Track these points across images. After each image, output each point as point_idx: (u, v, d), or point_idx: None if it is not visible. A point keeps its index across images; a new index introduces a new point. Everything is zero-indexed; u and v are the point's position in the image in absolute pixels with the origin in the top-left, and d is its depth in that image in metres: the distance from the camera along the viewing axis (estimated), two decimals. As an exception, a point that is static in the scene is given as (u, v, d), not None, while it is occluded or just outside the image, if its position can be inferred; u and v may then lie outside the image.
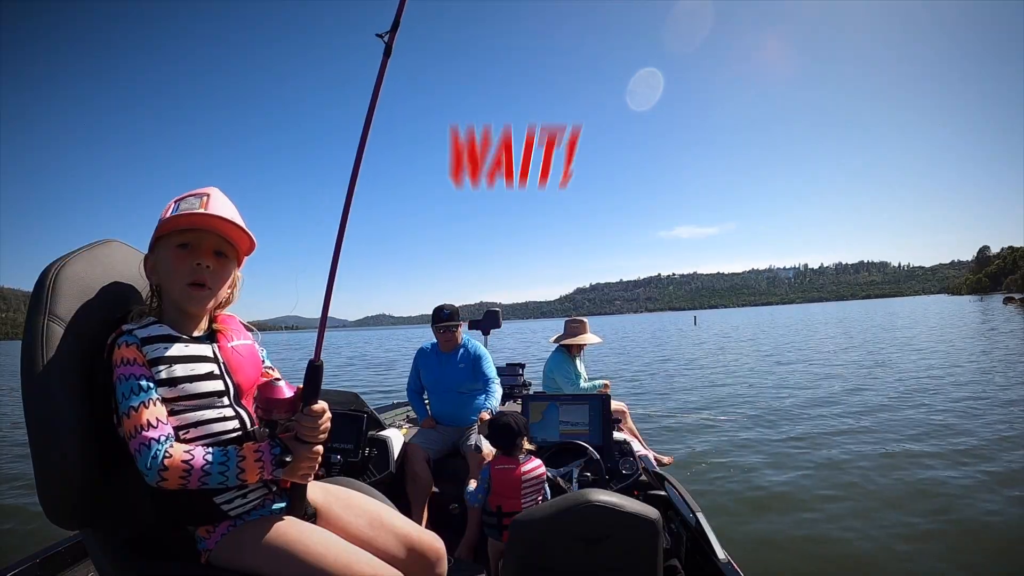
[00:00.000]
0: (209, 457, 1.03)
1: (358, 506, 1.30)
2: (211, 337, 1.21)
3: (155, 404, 1.04)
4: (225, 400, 1.15)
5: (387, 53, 1.31)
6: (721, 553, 1.89)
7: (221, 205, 1.15)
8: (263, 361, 1.30)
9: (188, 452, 1.02)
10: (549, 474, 2.33)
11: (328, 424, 1.13)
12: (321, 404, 1.12)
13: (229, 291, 1.24)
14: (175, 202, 1.15)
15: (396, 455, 2.62)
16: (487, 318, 4.67)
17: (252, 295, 1.28)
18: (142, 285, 1.27)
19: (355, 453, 2.56)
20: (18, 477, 5.43)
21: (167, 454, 1.00)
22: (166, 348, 1.09)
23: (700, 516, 2.14)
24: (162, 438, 1.01)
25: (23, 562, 1.74)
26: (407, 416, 3.78)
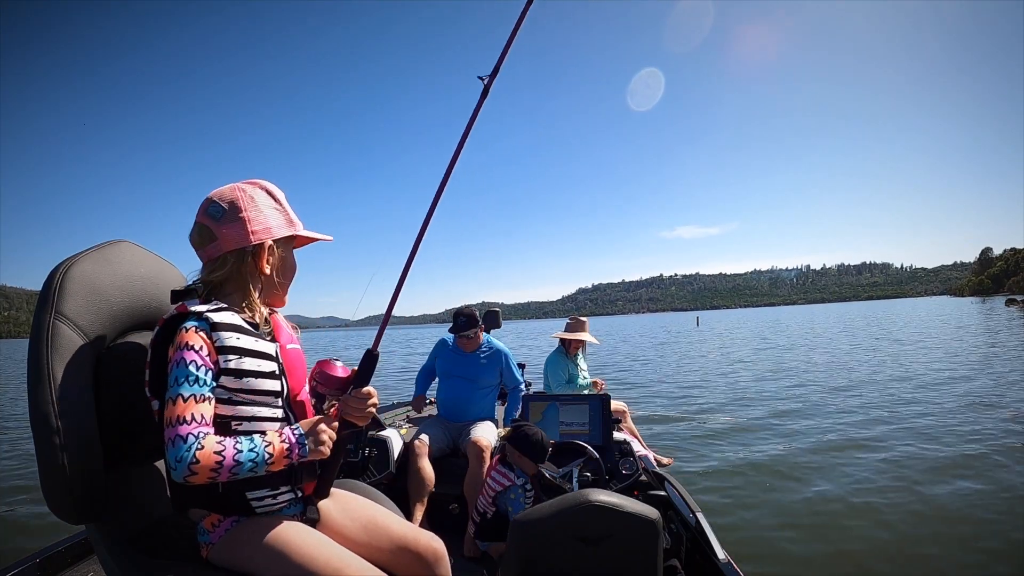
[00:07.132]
0: (239, 446, 0.99)
1: (356, 510, 1.30)
2: (272, 336, 1.21)
3: (204, 401, 1.00)
4: (279, 401, 1.14)
5: (484, 95, 1.39)
6: (721, 553, 1.89)
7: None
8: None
9: (220, 443, 0.98)
10: (548, 475, 2.32)
11: (374, 409, 1.19)
12: (370, 388, 1.19)
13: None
14: (283, 208, 1.22)
15: (396, 455, 2.62)
16: (487, 318, 4.68)
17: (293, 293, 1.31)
18: (151, 285, 1.29)
19: (355, 453, 2.56)
20: (17, 478, 5.45)
21: (200, 446, 0.95)
22: (238, 338, 1.08)
23: (700, 516, 2.14)
24: (200, 433, 0.97)
25: (23, 562, 1.75)
26: (407, 416, 3.79)
